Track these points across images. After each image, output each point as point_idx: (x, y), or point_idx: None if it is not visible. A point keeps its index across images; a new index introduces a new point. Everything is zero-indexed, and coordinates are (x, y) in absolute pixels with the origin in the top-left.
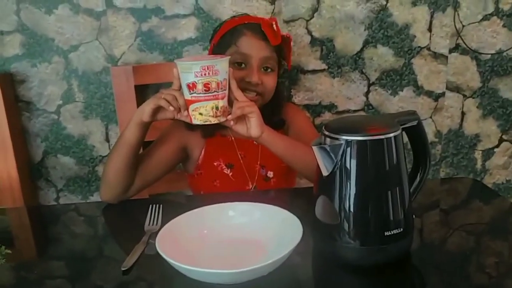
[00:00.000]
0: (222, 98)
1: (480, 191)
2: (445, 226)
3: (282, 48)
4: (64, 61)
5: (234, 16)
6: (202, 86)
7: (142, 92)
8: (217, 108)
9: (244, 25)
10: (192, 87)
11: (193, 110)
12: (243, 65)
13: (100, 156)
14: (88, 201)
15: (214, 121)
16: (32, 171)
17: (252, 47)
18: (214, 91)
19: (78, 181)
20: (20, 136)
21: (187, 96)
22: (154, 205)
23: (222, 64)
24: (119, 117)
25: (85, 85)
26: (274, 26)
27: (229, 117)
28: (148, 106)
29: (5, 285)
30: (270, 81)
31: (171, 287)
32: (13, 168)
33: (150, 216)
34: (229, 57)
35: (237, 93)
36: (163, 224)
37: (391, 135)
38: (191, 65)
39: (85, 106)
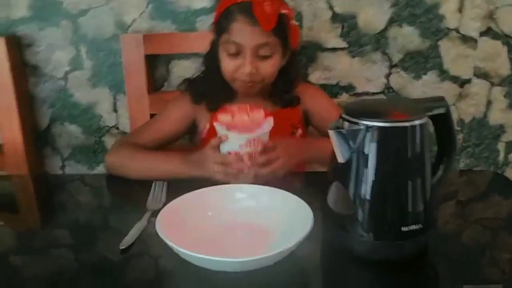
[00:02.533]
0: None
1: (501, 184)
2: (462, 219)
3: (283, 28)
4: (73, 25)
5: None
6: (247, 157)
7: (152, 62)
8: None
9: (237, 5)
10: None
11: None
12: (236, 55)
13: (107, 126)
14: (93, 171)
15: None
16: (37, 138)
17: (244, 35)
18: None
19: (84, 151)
20: (26, 102)
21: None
22: (158, 182)
23: (266, 135)
24: (127, 87)
25: (93, 52)
26: (267, 6)
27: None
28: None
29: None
30: (267, 68)
31: (172, 267)
32: (18, 133)
33: (153, 193)
34: (272, 120)
35: None
36: (166, 202)
37: (416, 122)
38: (236, 138)
39: (93, 74)
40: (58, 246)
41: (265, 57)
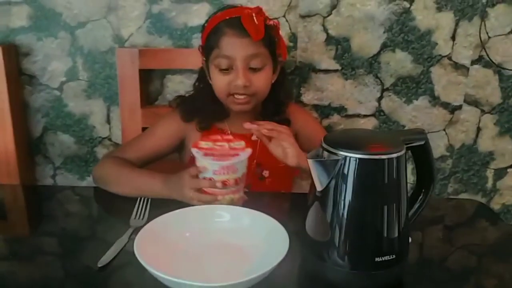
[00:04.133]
0: (239, 192)
1: (485, 214)
2: (444, 245)
3: (271, 39)
4: (71, 37)
5: (215, 12)
6: (220, 184)
7: (147, 76)
8: (232, 200)
9: (225, 22)
10: (209, 180)
11: None
12: (229, 69)
13: (100, 137)
14: (84, 181)
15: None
16: (30, 146)
17: (234, 47)
18: (232, 187)
19: (75, 160)
20: (21, 110)
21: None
22: (142, 199)
23: (242, 164)
24: (121, 100)
25: (90, 63)
26: (255, 18)
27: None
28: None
29: None
30: (260, 81)
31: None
32: (11, 141)
33: (137, 210)
34: (250, 151)
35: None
36: (149, 219)
37: (394, 155)
38: (210, 164)
39: (89, 85)
40: (43, 255)
41: (256, 70)
